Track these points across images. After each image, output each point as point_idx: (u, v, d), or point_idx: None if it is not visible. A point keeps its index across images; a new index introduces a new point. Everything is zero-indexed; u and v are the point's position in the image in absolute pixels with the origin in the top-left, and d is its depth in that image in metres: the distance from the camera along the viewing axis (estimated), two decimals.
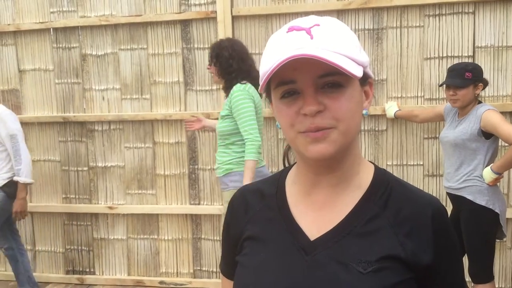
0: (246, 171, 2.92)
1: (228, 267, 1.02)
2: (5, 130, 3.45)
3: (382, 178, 0.93)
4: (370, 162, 0.97)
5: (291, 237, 0.90)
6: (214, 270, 3.99)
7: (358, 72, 0.83)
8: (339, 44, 0.83)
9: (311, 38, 0.82)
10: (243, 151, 2.98)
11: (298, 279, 0.86)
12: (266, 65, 0.84)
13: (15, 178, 3.45)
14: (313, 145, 0.84)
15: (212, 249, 3.97)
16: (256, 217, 0.97)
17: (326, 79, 0.82)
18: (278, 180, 1.00)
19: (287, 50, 0.82)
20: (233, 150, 3.04)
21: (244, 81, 3.03)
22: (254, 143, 2.92)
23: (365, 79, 0.90)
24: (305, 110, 0.83)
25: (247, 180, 2.91)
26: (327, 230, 0.88)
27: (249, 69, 3.09)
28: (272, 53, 0.85)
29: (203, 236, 3.97)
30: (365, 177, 0.93)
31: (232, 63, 3.04)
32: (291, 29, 0.85)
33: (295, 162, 0.99)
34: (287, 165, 1.05)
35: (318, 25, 0.84)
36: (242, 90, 2.98)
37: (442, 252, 0.88)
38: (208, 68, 3.18)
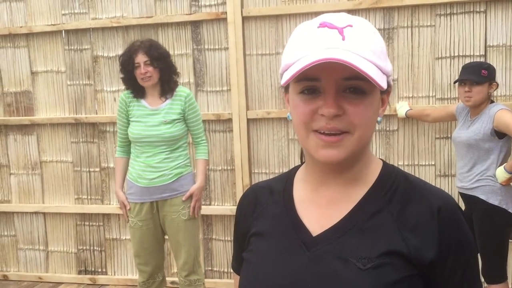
0: (204, 171, 3.08)
1: (238, 264, 1.03)
2: None
3: (389, 173, 0.92)
4: (380, 159, 0.97)
5: (294, 233, 0.90)
6: (226, 270, 4.00)
7: (383, 82, 0.82)
8: (369, 51, 0.82)
9: (343, 39, 0.81)
10: (186, 154, 3.07)
11: (298, 275, 0.86)
12: (292, 57, 0.84)
13: None
14: (324, 149, 0.84)
15: (223, 249, 3.97)
16: (263, 213, 0.98)
17: (350, 82, 0.82)
18: (287, 177, 1.01)
19: (318, 48, 0.81)
20: (179, 153, 3.00)
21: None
22: (207, 145, 3.13)
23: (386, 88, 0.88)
24: (324, 111, 0.82)
25: (204, 180, 3.06)
26: (330, 226, 0.88)
27: None
28: (300, 46, 0.84)
29: (214, 237, 3.98)
30: (373, 173, 0.92)
31: (172, 62, 3.05)
32: (323, 25, 0.83)
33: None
34: (303, 161, 1.04)
35: (351, 26, 0.83)
36: (191, 93, 3.06)
37: (449, 249, 0.85)
38: (146, 72, 2.89)
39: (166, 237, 3.13)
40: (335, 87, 0.82)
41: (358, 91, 0.82)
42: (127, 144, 3.10)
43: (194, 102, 3.03)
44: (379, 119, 0.90)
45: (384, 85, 0.81)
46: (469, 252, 0.88)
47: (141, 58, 2.90)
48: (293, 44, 0.86)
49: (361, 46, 0.81)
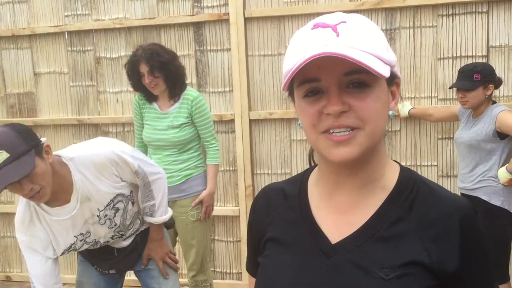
0: (214, 177, 3.05)
1: (253, 266, 1.02)
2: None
3: (408, 179, 0.89)
4: (395, 161, 0.94)
5: (312, 240, 0.88)
6: (228, 271, 4.00)
7: (385, 71, 0.79)
8: (366, 42, 0.80)
9: (337, 35, 0.79)
10: (198, 154, 3.05)
11: (317, 283, 0.85)
12: (290, 63, 0.82)
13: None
14: (336, 149, 0.81)
15: (226, 250, 3.98)
16: (278, 218, 0.96)
17: (352, 77, 0.79)
18: (301, 180, 0.98)
19: (312, 48, 0.79)
20: (188, 155, 2.99)
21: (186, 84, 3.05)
22: (218, 149, 3.09)
23: (392, 79, 0.86)
24: (328, 109, 0.80)
25: (214, 186, 3.05)
26: (349, 234, 0.86)
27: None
28: (296, 50, 0.82)
29: (216, 238, 3.98)
30: (390, 178, 0.89)
31: (178, 65, 2.97)
32: (316, 26, 0.82)
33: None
34: (312, 165, 1.01)
35: (345, 22, 0.81)
36: (200, 95, 3.02)
37: (470, 258, 0.84)
38: (151, 81, 2.86)
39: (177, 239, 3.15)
40: (337, 84, 0.80)
41: (362, 85, 0.80)
42: (145, 145, 3.10)
43: (202, 106, 2.97)
44: (390, 112, 0.87)
45: (385, 74, 0.78)
46: (486, 259, 0.88)
47: (144, 68, 2.86)
48: (290, 50, 0.85)
49: (357, 39, 0.79)
